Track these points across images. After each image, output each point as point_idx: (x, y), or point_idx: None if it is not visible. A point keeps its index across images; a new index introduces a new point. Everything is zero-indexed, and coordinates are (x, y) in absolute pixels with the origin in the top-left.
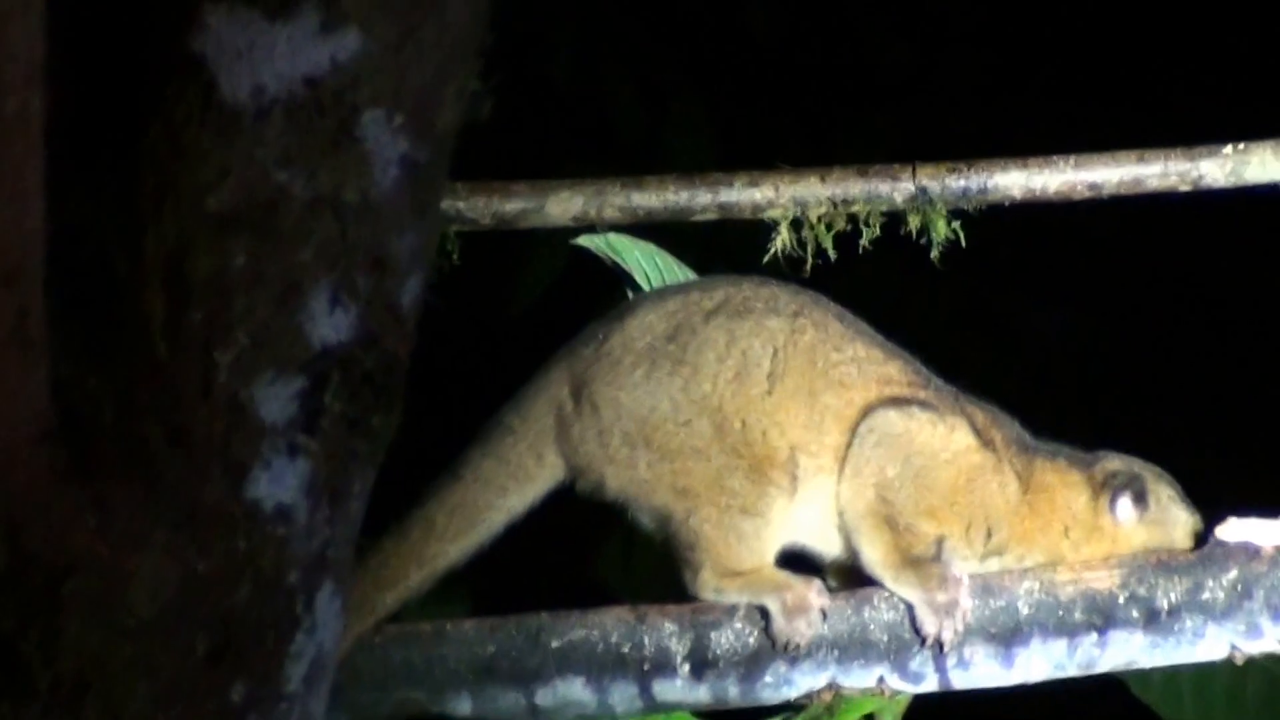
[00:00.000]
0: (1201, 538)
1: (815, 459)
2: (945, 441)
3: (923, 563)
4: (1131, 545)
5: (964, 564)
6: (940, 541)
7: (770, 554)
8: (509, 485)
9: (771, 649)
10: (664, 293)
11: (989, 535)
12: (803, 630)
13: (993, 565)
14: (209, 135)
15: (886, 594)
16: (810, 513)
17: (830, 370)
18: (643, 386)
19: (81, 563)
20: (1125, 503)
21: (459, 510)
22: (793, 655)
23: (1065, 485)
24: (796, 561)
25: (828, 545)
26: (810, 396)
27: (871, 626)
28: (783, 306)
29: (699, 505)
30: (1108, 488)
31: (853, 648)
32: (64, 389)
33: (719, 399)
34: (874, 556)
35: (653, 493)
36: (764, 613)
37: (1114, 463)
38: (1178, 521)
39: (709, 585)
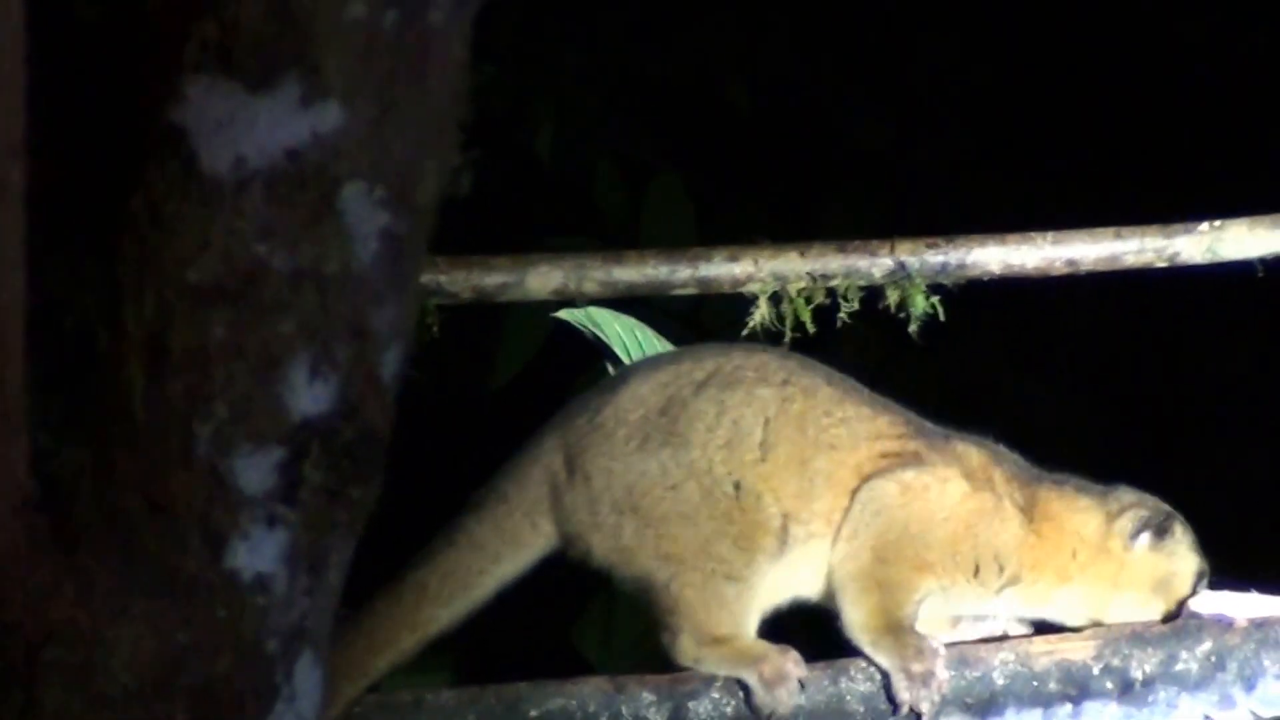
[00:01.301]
0: (1207, 584)
1: (806, 526)
2: (940, 499)
3: (903, 631)
4: (1137, 573)
5: (979, 602)
6: (920, 603)
7: (751, 621)
8: (502, 551)
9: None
10: (656, 363)
11: (1001, 570)
12: (784, 700)
13: (1009, 596)
14: (189, 207)
15: (863, 664)
16: (805, 574)
17: (820, 435)
18: (634, 456)
19: (61, 632)
20: (1145, 535)
21: (452, 575)
22: None
23: (1073, 511)
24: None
25: (823, 598)
26: (801, 465)
27: (848, 697)
28: (772, 375)
29: (682, 570)
30: (1126, 515)
31: (829, 718)
32: (43, 459)
33: (709, 463)
34: (856, 619)
35: (635, 558)
36: (743, 685)
37: (1129, 495)
38: (1186, 563)
39: (688, 653)
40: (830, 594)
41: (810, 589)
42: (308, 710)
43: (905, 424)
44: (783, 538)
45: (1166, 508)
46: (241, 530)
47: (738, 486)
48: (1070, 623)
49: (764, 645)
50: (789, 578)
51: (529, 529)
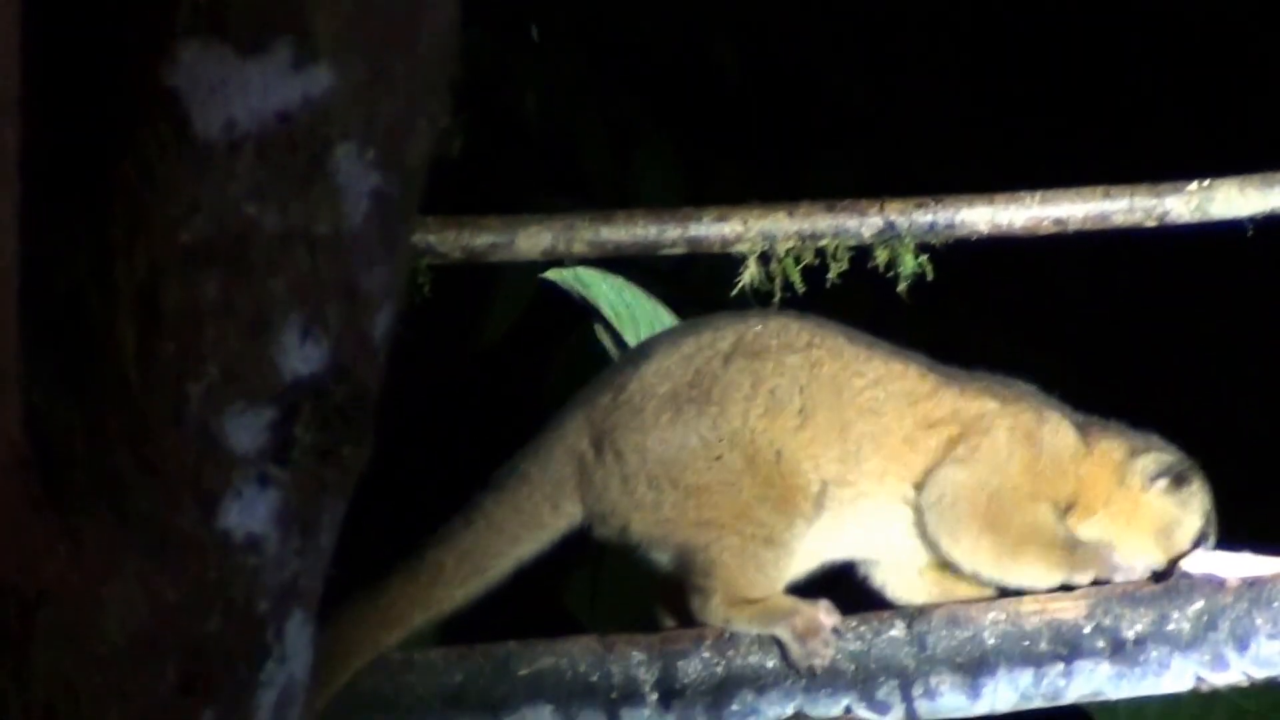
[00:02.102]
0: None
1: (854, 487)
2: (1002, 453)
3: (1077, 548)
4: (1147, 515)
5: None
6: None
7: (783, 583)
8: (522, 534)
9: (795, 674)
10: (674, 336)
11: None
12: (820, 650)
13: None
14: (181, 169)
15: (853, 623)
16: (853, 534)
17: (856, 398)
18: (670, 429)
19: (53, 592)
20: (1163, 479)
21: (469, 556)
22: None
23: (1102, 444)
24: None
25: (883, 554)
26: (842, 429)
27: (839, 656)
28: (795, 340)
29: (723, 535)
30: (1150, 455)
31: (821, 677)
32: (36, 419)
33: (751, 432)
34: (1031, 578)
35: (676, 531)
36: (778, 641)
37: (1157, 439)
38: (1194, 518)
39: (719, 614)
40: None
41: (859, 549)
42: (299, 670)
43: (931, 372)
44: (820, 502)
45: (1190, 460)
46: (233, 490)
47: (779, 454)
48: None
49: (794, 600)
50: (828, 540)
51: (550, 511)
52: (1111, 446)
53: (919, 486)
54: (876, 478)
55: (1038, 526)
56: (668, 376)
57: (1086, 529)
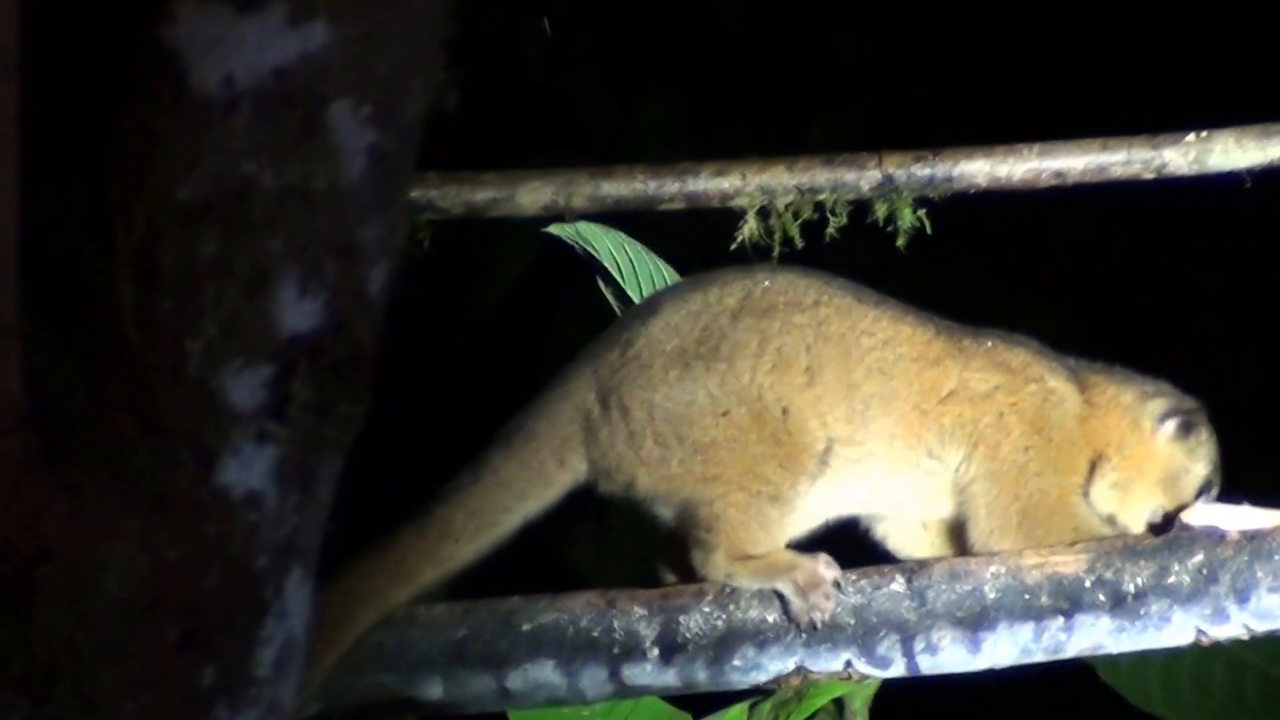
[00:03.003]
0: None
1: (861, 446)
2: (1018, 441)
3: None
4: (1154, 460)
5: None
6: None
7: (785, 538)
8: (529, 489)
9: (796, 628)
10: (681, 291)
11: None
12: (821, 604)
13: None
14: (179, 126)
15: (853, 577)
16: (860, 493)
17: (865, 358)
18: (677, 385)
19: (53, 550)
20: (1171, 422)
21: (478, 513)
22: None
23: (1114, 392)
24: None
25: (889, 510)
26: (850, 388)
27: (840, 610)
28: (803, 298)
29: (728, 491)
30: (1161, 399)
31: (822, 632)
32: (36, 377)
33: (758, 389)
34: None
35: (682, 486)
36: (780, 596)
37: (1167, 386)
38: (1200, 466)
39: (720, 568)
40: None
41: (864, 506)
42: (297, 626)
43: (938, 336)
44: (825, 459)
45: (1200, 407)
46: (232, 447)
47: (786, 411)
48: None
49: (795, 554)
50: (833, 497)
51: (556, 466)
52: (1119, 392)
53: (931, 455)
54: (885, 439)
55: (1077, 525)
56: (675, 333)
57: (1100, 478)
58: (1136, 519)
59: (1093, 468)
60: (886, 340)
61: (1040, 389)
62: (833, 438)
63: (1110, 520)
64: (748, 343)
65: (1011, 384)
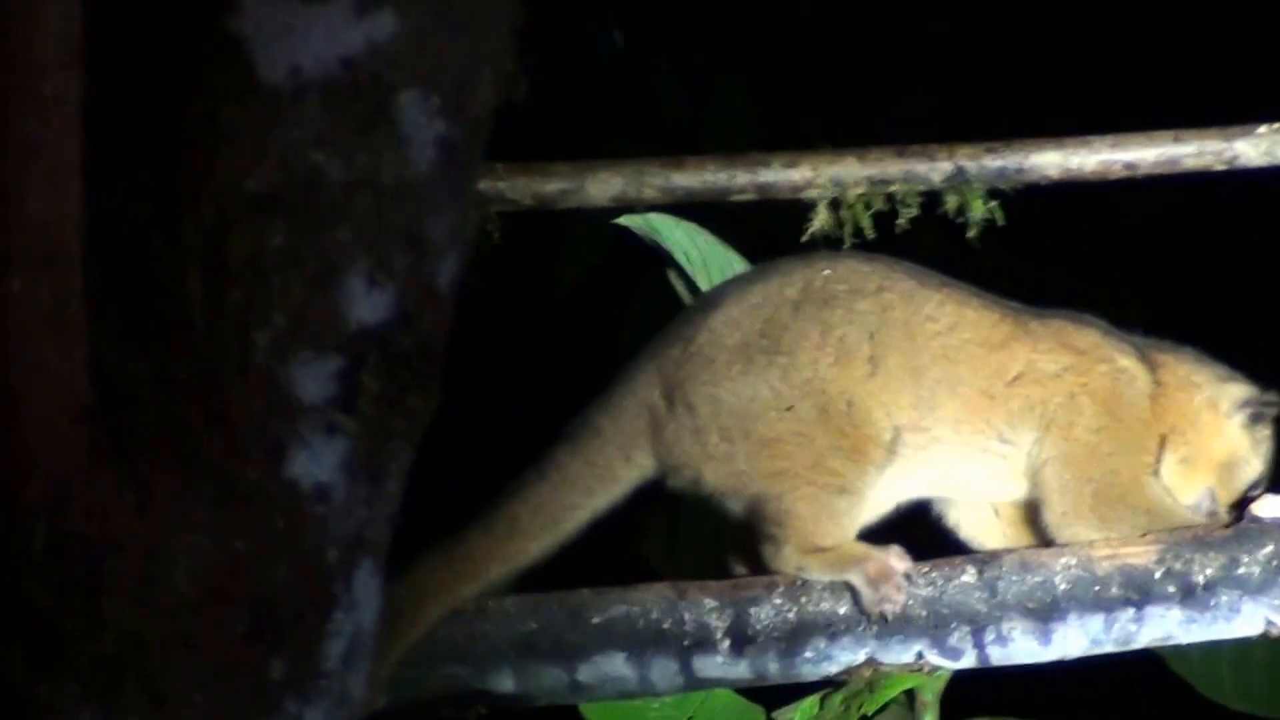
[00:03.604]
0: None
1: (928, 432)
2: (1092, 433)
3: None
4: (1222, 442)
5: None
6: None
7: (855, 529)
8: (596, 486)
9: (867, 620)
10: (741, 284)
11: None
12: (892, 596)
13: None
14: (246, 116)
15: (924, 569)
16: (929, 476)
17: (930, 343)
18: (741, 380)
19: (121, 542)
20: (1248, 410)
21: (544, 510)
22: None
23: (1188, 373)
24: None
25: (956, 494)
26: (915, 374)
27: (911, 602)
28: (866, 284)
29: (796, 485)
30: (1239, 384)
31: (893, 623)
32: (103, 369)
33: (822, 382)
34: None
35: (750, 482)
36: (850, 587)
37: (1240, 375)
38: (1259, 459)
39: (791, 562)
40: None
41: (933, 490)
42: (366, 619)
43: (1004, 319)
44: (892, 449)
45: (1276, 402)
46: (300, 439)
47: (850, 403)
48: None
49: (865, 546)
50: (902, 484)
51: (623, 463)
52: (1190, 372)
53: (1002, 439)
54: (952, 425)
55: (1148, 516)
56: (737, 326)
57: (1165, 455)
58: (1186, 500)
59: (1161, 446)
60: (952, 325)
61: (1111, 369)
62: (899, 426)
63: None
64: (809, 334)
65: (1081, 364)
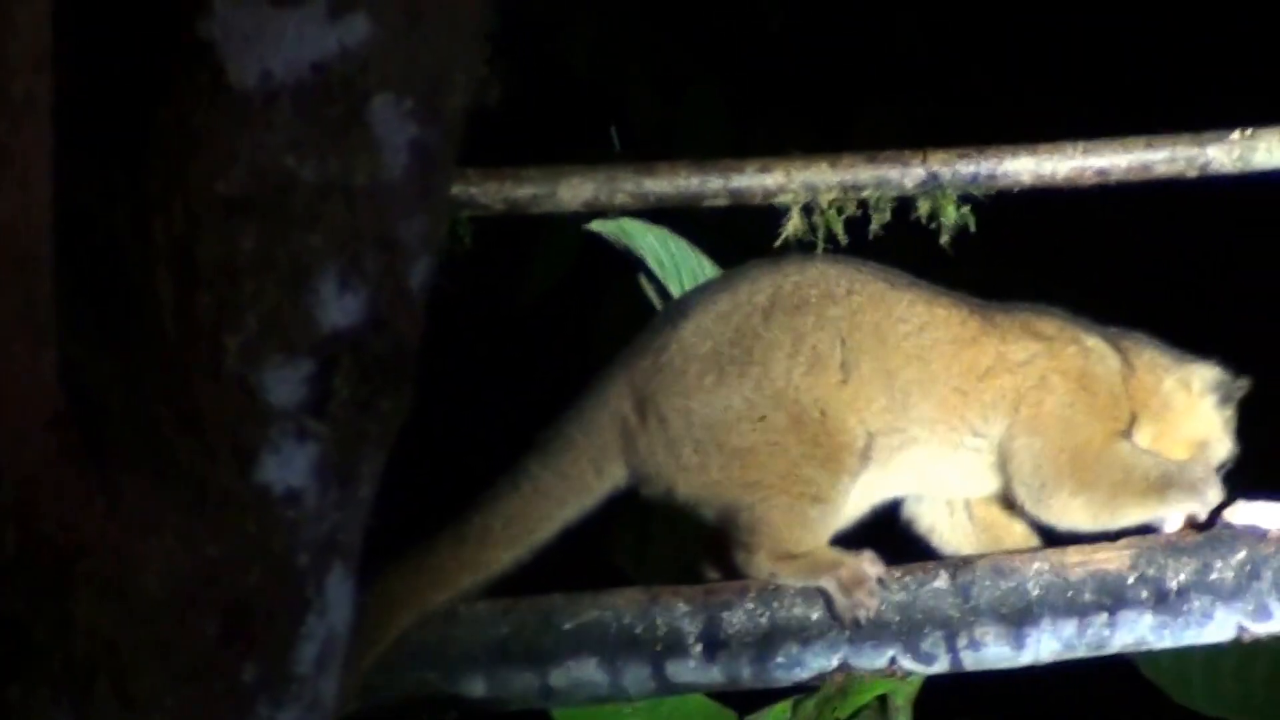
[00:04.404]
0: (1223, 467)
1: (903, 434)
2: (1064, 407)
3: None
4: (1194, 422)
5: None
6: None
7: (829, 536)
8: (568, 498)
9: (840, 626)
10: (710, 292)
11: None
12: (865, 602)
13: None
14: (218, 120)
15: (897, 574)
16: (904, 477)
17: (902, 344)
18: (713, 392)
19: (92, 545)
20: (1220, 391)
21: (516, 520)
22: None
23: (1154, 356)
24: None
25: (932, 492)
26: (888, 377)
27: (884, 607)
28: (835, 288)
29: (770, 495)
30: (1209, 365)
31: (866, 628)
32: (74, 372)
33: (795, 391)
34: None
35: (724, 492)
36: (824, 594)
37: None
38: (1229, 437)
39: (764, 567)
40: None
41: (908, 489)
42: (338, 623)
43: (973, 315)
44: (866, 455)
45: (1244, 385)
46: (272, 444)
47: (824, 412)
48: None
49: (838, 552)
50: (877, 486)
51: (595, 475)
52: (1157, 355)
53: (976, 434)
54: (927, 425)
55: (1126, 471)
56: (707, 336)
57: (1136, 438)
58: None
59: (1131, 421)
60: (922, 325)
61: (1080, 349)
62: (873, 431)
63: None
64: (781, 342)
65: (1051, 349)
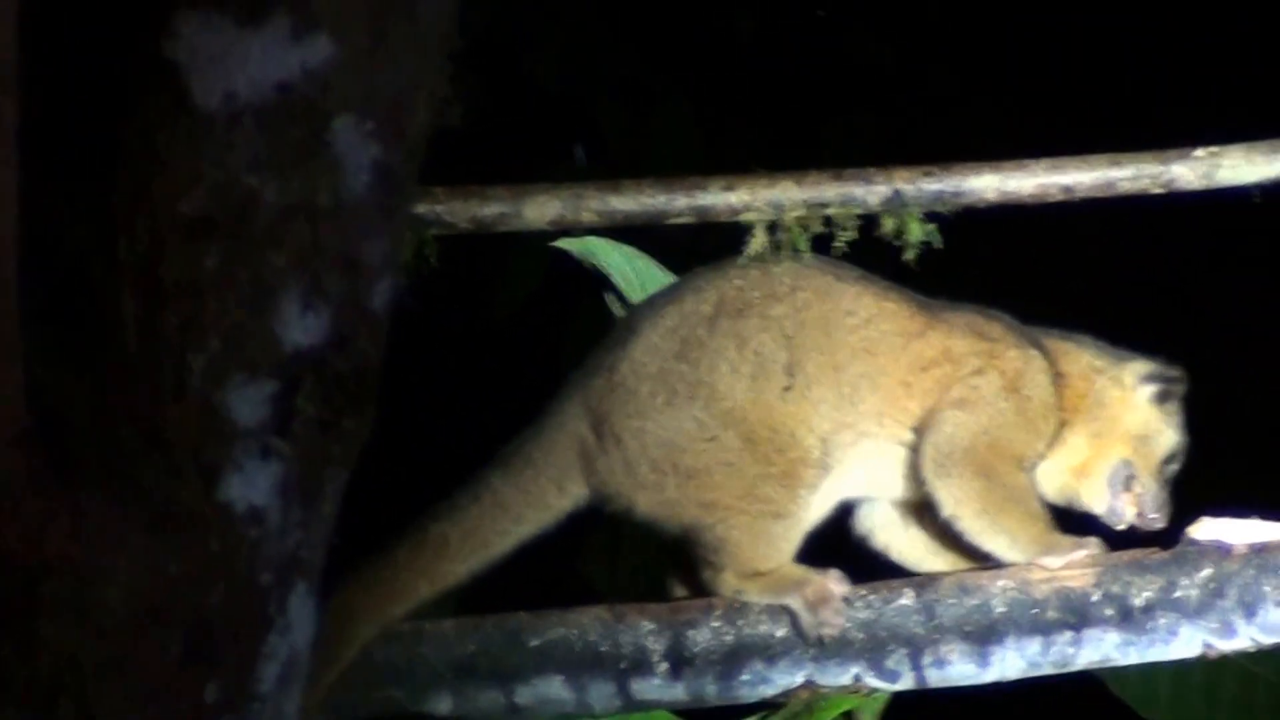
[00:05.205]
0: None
1: (853, 429)
2: (990, 393)
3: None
4: (1131, 419)
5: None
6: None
7: (794, 551)
8: (526, 513)
9: (805, 643)
10: (656, 305)
11: (1053, 421)
12: (831, 620)
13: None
14: (181, 141)
15: (862, 591)
16: (856, 476)
17: (849, 338)
18: (665, 412)
19: (56, 564)
20: (1152, 385)
21: (474, 533)
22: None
23: (1086, 356)
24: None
25: (882, 491)
26: (835, 372)
27: (849, 625)
28: (778, 287)
29: (729, 515)
30: (1141, 361)
31: (831, 646)
32: (39, 392)
33: (742, 410)
34: (1010, 542)
35: (683, 511)
36: (789, 611)
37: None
38: (1172, 431)
39: (730, 585)
40: (910, 496)
41: (864, 489)
42: (301, 641)
43: (920, 311)
44: (824, 464)
45: (1180, 377)
46: (235, 462)
47: (773, 429)
48: (1052, 485)
49: (804, 569)
50: (836, 488)
51: (555, 492)
52: (1093, 358)
53: (917, 429)
54: (875, 419)
55: (1027, 492)
56: (656, 353)
57: (1073, 440)
58: (1099, 476)
59: (1057, 435)
60: (870, 317)
61: (1021, 354)
62: (824, 436)
63: (1067, 484)
64: (725, 350)
65: (994, 349)
